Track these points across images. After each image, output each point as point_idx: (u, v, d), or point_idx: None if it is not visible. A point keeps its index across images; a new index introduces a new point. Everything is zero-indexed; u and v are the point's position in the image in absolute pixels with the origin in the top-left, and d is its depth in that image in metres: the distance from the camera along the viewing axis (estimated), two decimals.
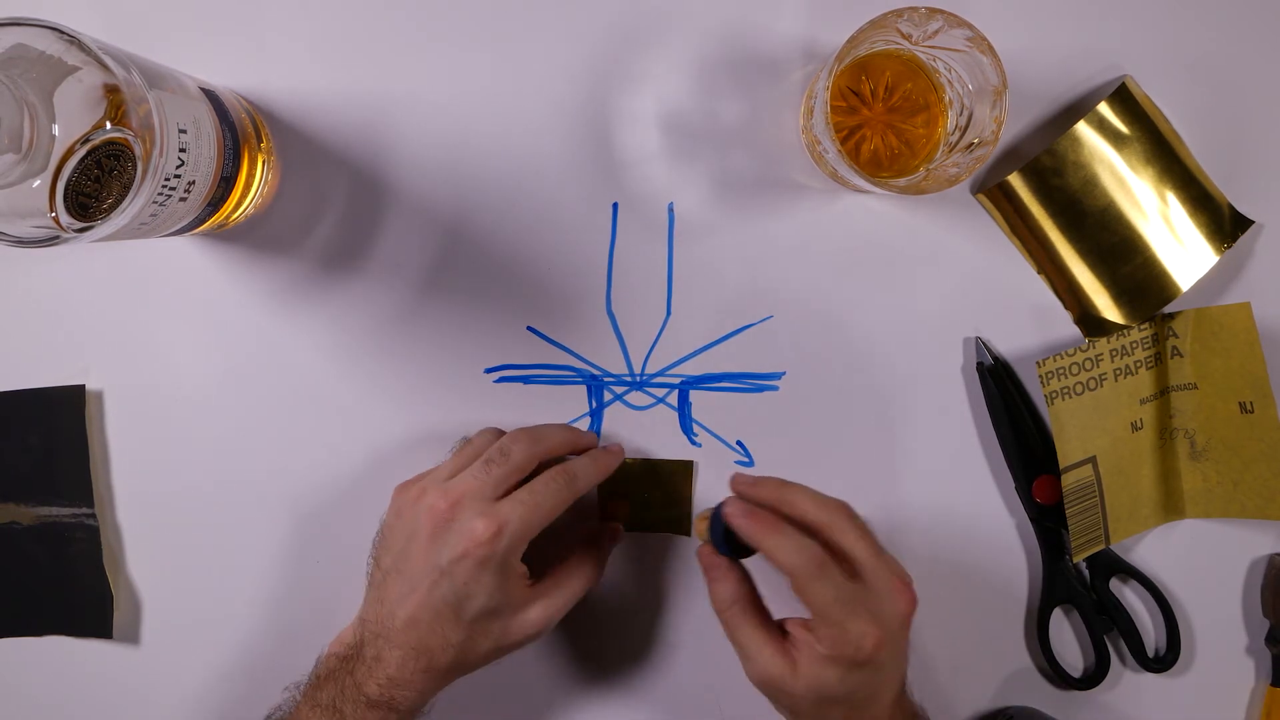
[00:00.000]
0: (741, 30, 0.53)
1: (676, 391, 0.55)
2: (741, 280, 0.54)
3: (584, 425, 0.55)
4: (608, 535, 0.54)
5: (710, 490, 0.55)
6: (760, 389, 0.55)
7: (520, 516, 0.46)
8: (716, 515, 0.48)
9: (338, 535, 0.55)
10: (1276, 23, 0.54)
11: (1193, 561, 0.57)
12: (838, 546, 0.46)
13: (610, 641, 0.56)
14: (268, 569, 0.55)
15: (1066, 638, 0.57)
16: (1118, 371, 0.54)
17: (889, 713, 0.46)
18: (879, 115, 0.52)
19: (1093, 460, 0.54)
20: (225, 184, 0.46)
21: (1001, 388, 0.54)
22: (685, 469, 0.55)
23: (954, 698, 0.56)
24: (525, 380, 0.55)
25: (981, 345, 0.55)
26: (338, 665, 0.47)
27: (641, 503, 0.55)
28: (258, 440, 0.55)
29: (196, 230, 0.48)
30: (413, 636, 0.46)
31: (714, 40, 0.53)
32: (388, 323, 0.54)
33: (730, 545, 0.48)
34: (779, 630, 0.47)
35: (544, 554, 0.49)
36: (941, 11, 0.45)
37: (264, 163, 0.51)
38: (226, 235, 0.53)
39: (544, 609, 0.48)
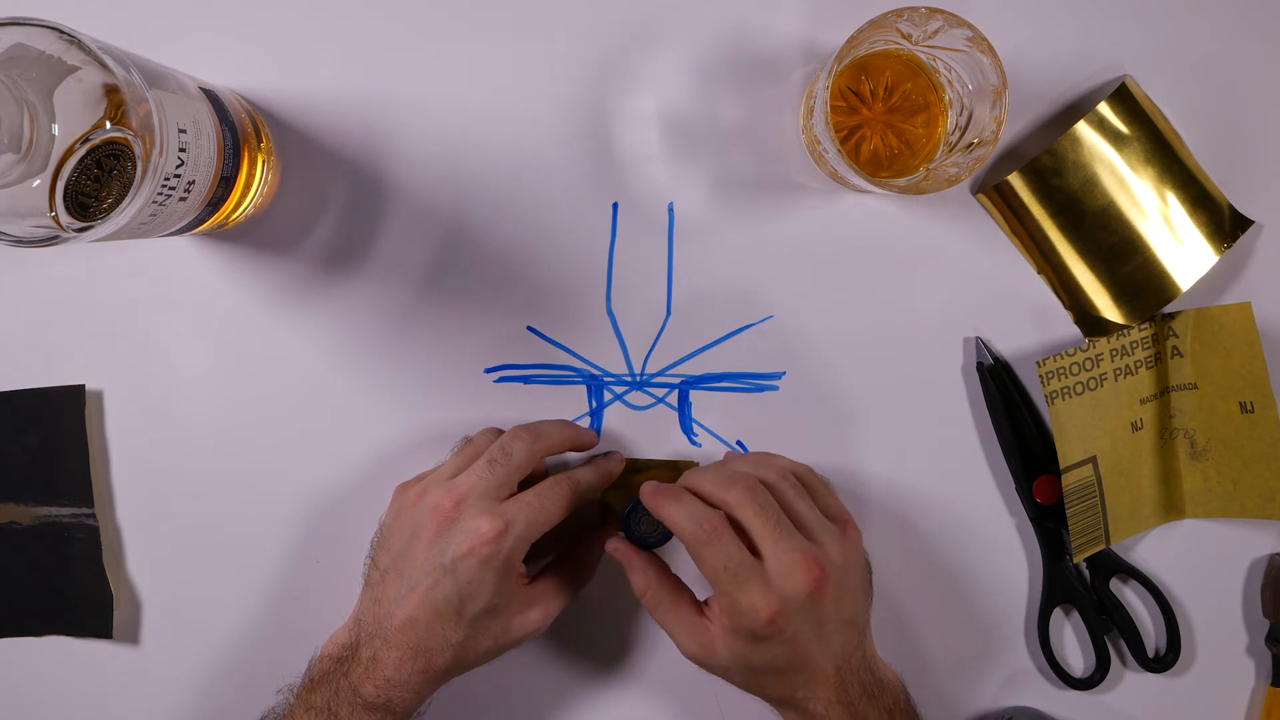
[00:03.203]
0: (741, 30, 0.53)
1: (676, 391, 0.55)
2: (741, 280, 0.54)
3: (584, 425, 0.55)
4: (602, 536, 0.54)
5: None
6: (760, 389, 0.55)
7: (526, 518, 0.46)
8: (629, 509, 0.51)
9: (338, 535, 0.54)
10: (1277, 23, 0.54)
11: (1193, 561, 0.57)
12: (739, 523, 0.46)
13: (606, 641, 0.56)
14: (268, 569, 0.55)
15: (1066, 638, 0.57)
16: (1118, 371, 0.54)
17: (832, 681, 0.46)
18: (879, 115, 0.52)
19: (1093, 460, 0.54)
20: (225, 184, 0.46)
21: (1001, 388, 0.54)
22: (677, 470, 0.55)
23: (954, 698, 0.56)
24: (525, 380, 0.55)
25: (981, 345, 0.55)
26: (332, 667, 0.47)
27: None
28: (257, 440, 0.55)
29: (196, 230, 0.48)
30: (411, 636, 0.45)
31: (714, 40, 0.53)
32: (388, 323, 0.54)
33: (639, 533, 0.52)
34: (700, 609, 0.47)
35: (539, 554, 0.49)
36: (941, 11, 0.45)
37: (264, 163, 0.51)
38: (226, 235, 0.53)
39: (542, 608, 0.48)
